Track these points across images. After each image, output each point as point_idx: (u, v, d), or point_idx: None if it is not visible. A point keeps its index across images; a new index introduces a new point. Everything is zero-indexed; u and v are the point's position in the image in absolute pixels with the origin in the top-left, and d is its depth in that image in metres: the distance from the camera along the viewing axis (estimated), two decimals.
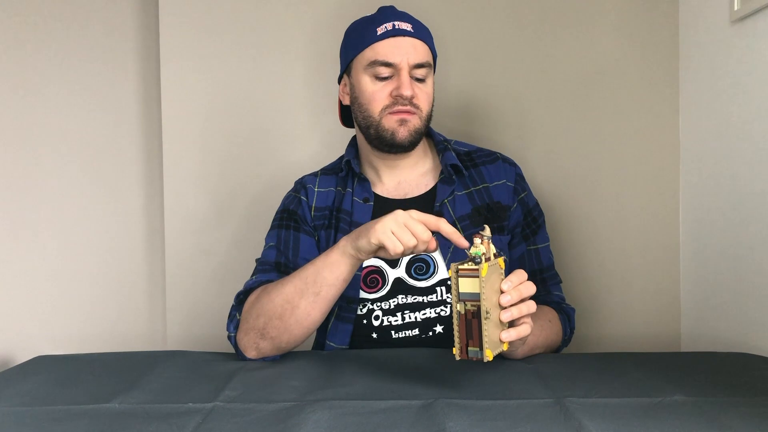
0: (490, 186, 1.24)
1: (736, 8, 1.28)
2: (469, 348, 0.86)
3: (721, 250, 1.37)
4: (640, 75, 1.55)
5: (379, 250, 0.99)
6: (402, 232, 0.95)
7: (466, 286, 0.86)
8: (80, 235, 1.67)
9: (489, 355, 0.85)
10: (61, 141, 1.66)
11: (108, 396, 0.89)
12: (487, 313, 0.84)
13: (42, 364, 1.09)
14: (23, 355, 1.39)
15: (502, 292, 0.88)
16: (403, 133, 1.17)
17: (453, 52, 1.54)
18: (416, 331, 1.17)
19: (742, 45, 1.28)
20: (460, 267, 0.86)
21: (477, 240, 0.87)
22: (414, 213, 0.97)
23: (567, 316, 1.21)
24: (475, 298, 0.85)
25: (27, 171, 1.66)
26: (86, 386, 0.95)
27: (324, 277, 1.04)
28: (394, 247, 0.95)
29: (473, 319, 0.85)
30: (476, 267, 0.85)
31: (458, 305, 0.86)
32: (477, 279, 0.84)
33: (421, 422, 0.78)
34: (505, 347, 0.89)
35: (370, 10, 1.24)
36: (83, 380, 0.98)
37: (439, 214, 1.19)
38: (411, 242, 0.95)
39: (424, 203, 1.21)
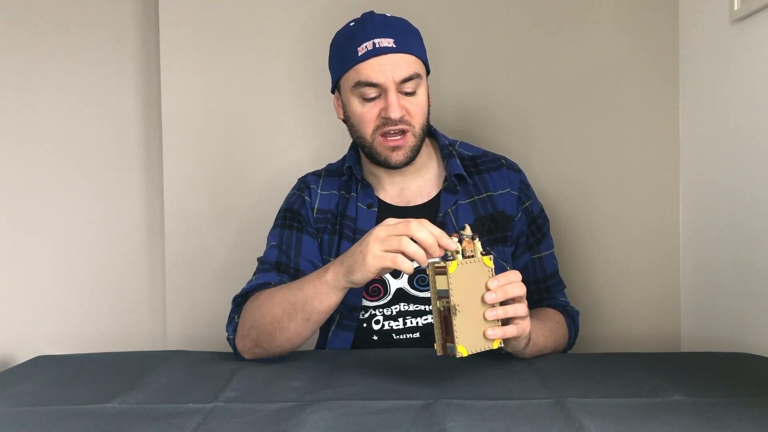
0: (494, 195, 1.22)
1: (736, 8, 1.28)
2: (448, 344, 0.88)
3: (721, 251, 1.37)
4: (640, 75, 1.55)
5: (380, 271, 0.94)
6: (393, 242, 0.90)
7: (441, 283, 0.88)
8: (80, 236, 1.67)
9: (462, 350, 0.86)
10: (61, 141, 1.65)
11: (108, 396, 0.89)
12: (455, 308, 0.86)
13: (42, 364, 1.09)
14: (23, 355, 1.39)
15: (488, 290, 0.89)
16: (396, 158, 1.15)
17: (452, 55, 1.54)
18: (417, 335, 1.17)
19: (742, 45, 1.28)
20: (435, 265, 0.89)
21: (454, 238, 0.89)
22: (390, 221, 0.93)
23: (572, 318, 1.22)
24: (447, 294, 0.87)
25: (27, 171, 1.65)
26: (86, 386, 0.95)
27: (314, 306, 1.02)
28: (402, 264, 0.90)
29: (449, 315, 0.87)
30: (445, 264, 0.87)
31: (437, 302, 0.89)
32: (446, 276, 0.87)
33: (421, 422, 0.78)
34: (495, 345, 0.90)
35: (373, 9, 1.22)
36: (83, 380, 0.98)
37: (442, 224, 1.18)
38: (407, 245, 0.89)
39: (427, 212, 1.20)
